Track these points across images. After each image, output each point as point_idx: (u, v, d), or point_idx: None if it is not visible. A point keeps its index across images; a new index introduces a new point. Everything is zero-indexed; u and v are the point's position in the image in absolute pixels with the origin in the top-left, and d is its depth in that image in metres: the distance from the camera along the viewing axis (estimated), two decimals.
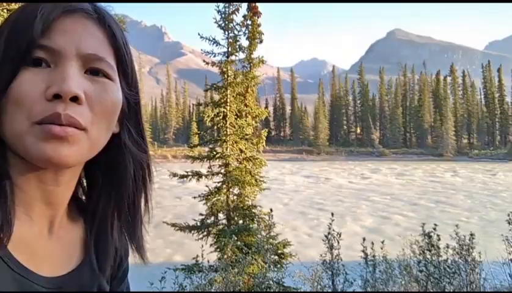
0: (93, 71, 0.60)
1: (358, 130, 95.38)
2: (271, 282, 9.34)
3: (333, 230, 7.10)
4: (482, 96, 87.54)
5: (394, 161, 69.63)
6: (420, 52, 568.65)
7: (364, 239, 7.00)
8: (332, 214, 7.25)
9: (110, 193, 0.69)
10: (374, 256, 7.44)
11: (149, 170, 0.71)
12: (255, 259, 9.51)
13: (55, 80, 0.55)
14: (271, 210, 8.01)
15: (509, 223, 6.73)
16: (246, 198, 10.60)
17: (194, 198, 10.37)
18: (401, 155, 77.38)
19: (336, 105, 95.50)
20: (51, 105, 0.55)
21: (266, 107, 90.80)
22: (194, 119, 65.64)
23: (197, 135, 11.65)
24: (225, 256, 9.08)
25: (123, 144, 0.68)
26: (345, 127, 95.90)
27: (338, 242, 7.02)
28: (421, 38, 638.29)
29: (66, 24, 0.58)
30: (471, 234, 7.41)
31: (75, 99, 0.55)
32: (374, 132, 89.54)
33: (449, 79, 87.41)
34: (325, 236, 7.09)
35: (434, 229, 6.93)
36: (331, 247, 7.04)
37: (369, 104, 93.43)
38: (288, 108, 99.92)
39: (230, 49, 10.44)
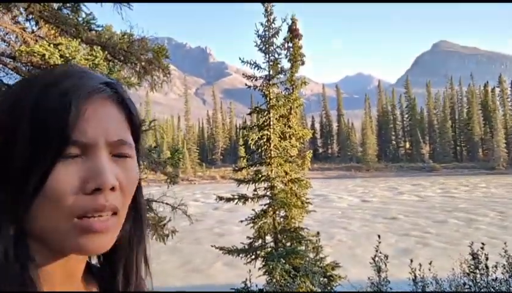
0: (118, 154, 0.61)
1: (407, 145, 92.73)
2: None
3: (380, 252, 6.92)
4: None
5: (447, 176, 67.06)
6: (467, 63, 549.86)
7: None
8: (379, 236, 7.07)
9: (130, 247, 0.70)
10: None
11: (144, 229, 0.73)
12: (304, 282, 9.40)
13: (92, 174, 0.56)
14: (318, 233, 7.90)
15: None
16: (293, 220, 10.54)
17: (241, 221, 10.44)
18: (452, 169, 74.43)
19: (383, 120, 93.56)
20: (92, 199, 0.56)
21: (312, 125, 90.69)
22: (240, 142, 66.32)
23: (243, 158, 11.76)
24: (274, 280, 9.03)
25: (139, 198, 0.70)
26: (394, 142, 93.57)
27: (386, 265, 6.83)
28: (467, 49, 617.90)
29: (92, 111, 0.58)
30: None
31: (112, 188, 0.57)
32: (423, 147, 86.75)
33: (497, 89, 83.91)
34: (373, 259, 6.92)
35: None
36: (378, 270, 6.86)
37: (417, 118, 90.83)
38: (334, 125, 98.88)
39: (271, 72, 10.55)
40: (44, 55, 6.55)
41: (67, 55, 6.85)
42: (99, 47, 7.29)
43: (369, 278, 6.95)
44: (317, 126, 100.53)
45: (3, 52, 7.07)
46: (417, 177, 65.90)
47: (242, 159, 12.53)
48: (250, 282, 8.82)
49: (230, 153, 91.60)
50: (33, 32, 7.15)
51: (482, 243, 6.86)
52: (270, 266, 9.25)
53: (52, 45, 6.77)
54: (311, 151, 11.37)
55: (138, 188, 0.68)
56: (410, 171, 76.68)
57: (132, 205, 0.66)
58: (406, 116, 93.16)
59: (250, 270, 7.87)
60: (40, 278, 0.58)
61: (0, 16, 6.84)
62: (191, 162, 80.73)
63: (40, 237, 0.58)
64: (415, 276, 7.03)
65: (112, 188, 0.57)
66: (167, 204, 8.94)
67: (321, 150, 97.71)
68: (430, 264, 7.26)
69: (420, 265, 7.13)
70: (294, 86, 11.06)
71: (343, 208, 35.89)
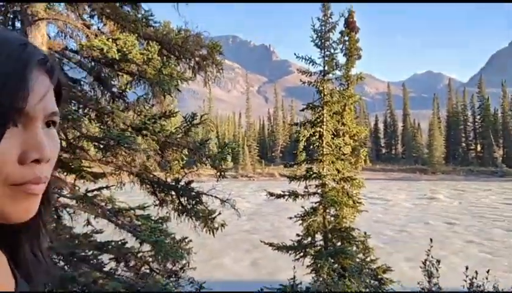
0: (49, 124, 0.62)
1: (479, 148, 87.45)
2: None
3: (432, 257, 6.57)
4: None
5: None
6: None
7: None
8: (431, 240, 6.72)
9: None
10: None
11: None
12: (352, 283, 9.18)
13: (32, 146, 0.57)
14: (365, 233, 7.65)
15: None
16: (344, 220, 10.30)
17: (290, 218, 10.36)
18: None
19: (453, 120, 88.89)
20: (30, 169, 0.57)
21: (376, 124, 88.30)
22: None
23: (297, 155, 11.66)
24: (321, 279, 8.88)
25: None
26: (463, 144, 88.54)
27: (437, 270, 6.47)
28: None
29: (36, 82, 0.59)
30: None
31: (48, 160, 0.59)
32: (496, 150, 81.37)
33: None
34: (423, 263, 6.59)
35: None
36: (429, 275, 6.51)
37: (490, 120, 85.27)
38: (400, 125, 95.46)
39: (326, 68, 10.35)
40: (102, 49, 6.88)
41: (124, 49, 7.15)
42: (155, 43, 7.54)
43: (418, 283, 6.63)
44: (381, 125, 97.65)
45: (67, 46, 7.51)
46: (488, 182, 62.02)
47: (295, 155, 12.43)
48: (293, 280, 8.76)
49: (289, 151, 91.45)
50: (98, 29, 7.54)
51: None
52: (318, 264, 9.11)
53: (110, 40, 7.08)
54: (366, 150, 11.01)
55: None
56: (481, 176, 72.42)
57: None
58: (478, 117, 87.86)
59: (294, 267, 7.78)
60: None
61: (67, 14, 7.27)
62: (251, 158, 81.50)
63: None
64: (471, 284, 6.62)
65: (48, 160, 0.59)
66: (216, 197, 9.06)
67: (384, 150, 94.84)
68: (488, 272, 6.80)
69: (476, 272, 6.68)
70: (349, 81, 10.79)
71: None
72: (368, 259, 9.65)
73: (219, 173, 10.18)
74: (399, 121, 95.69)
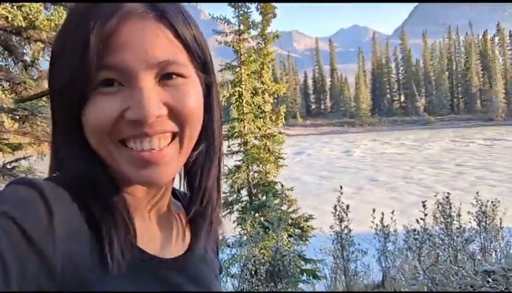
0: (166, 75, 0.57)
1: (402, 99, 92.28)
2: (292, 254, 9.52)
3: (342, 203, 7.13)
4: None
5: (441, 129, 67.29)
6: (468, 11, 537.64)
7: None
8: (341, 187, 7.26)
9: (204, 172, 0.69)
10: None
11: (221, 147, 0.72)
12: (276, 233, 9.67)
13: (132, 103, 0.54)
14: (281, 185, 8.07)
15: None
16: (268, 175, 10.73)
17: None
18: (448, 122, 74.49)
19: (377, 73, 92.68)
20: (135, 127, 0.55)
21: (305, 80, 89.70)
22: None
23: None
24: (245, 232, 9.30)
25: (211, 126, 0.67)
26: (388, 96, 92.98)
27: (347, 215, 7.06)
28: None
29: (125, 34, 0.54)
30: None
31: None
32: (419, 100, 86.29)
33: (497, 39, 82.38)
34: (334, 209, 7.15)
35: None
36: (340, 220, 7.09)
37: (412, 70, 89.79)
38: (328, 80, 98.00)
39: (241, 27, 10.43)
40: (7, 17, 6.52)
41: (30, 16, 6.80)
42: (62, 8, 7.21)
43: (331, 227, 7.20)
44: (310, 81, 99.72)
45: None
46: (410, 132, 66.06)
47: None
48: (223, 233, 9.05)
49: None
50: None
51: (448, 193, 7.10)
52: (243, 219, 9.51)
53: (15, 7, 6.69)
54: (285, 106, 11.38)
55: (209, 114, 0.65)
56: (405, 125, 76.73)
57: (201, 133, 0.64)
58: (401, 68, 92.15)
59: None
60: (133, 205, 0.61)
61: None
62: None
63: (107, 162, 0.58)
64: (377, 226, 7.27)
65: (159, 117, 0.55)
66: None
67: (313, 106, 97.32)
68: (392, 213, 7.49)
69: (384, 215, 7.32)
70: (265, 40, 10.96)
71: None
72: (291, 210, 10.20)
73: None
74: (328, 77, 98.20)
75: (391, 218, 7.35)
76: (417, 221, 5.76)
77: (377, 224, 7.10)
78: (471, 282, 5.15)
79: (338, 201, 7.21)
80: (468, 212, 7.63)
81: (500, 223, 7.72)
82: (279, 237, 8.81)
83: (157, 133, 0.55)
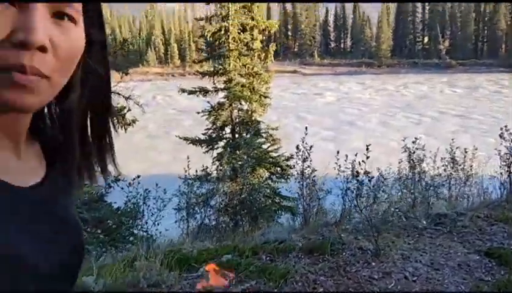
0: (59, 14, 0.55)
1: (426, 40, 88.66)
2: (267, 190, 9.81)
3: (306, 143, 7.18)
4: None
5: (460, 73, 65.28)
6: None
7: None
8: (306, 128, 7.29)
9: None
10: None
11: (109, 104, 0.70)
12: (256, 170, 9.91)
13: (22, 25, 0.51)
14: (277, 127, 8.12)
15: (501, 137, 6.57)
16: (254, 114, 10.80)
17: (198, 113, 10.76)
18: (468, 67, 71.89)
19: (402, 12, 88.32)
20: (16, 54, 0.51)
21: (326, 17, 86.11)
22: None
23: (201, 51, 11.69)
24: (224, 167, 9.57)
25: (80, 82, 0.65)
26: (411, 36, 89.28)
27: (309, 154, 7.15)
28: None
29: None
30: None
31: (41, 48, 0.52)
32: (442, 42, 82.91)
33: None
34: (297, 148, 7.24)
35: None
36: (304, 160, 7.20)
37: (438, 11, 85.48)
38: (350, 18, 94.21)
39: None
40: None
41: None
42: None
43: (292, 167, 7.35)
44: (331, 18, 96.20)
45: None
46: (427, 75, 64.30)
47: (200, 51, 12.47)
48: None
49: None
50: None
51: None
52: (223, 155, 9.76)
53: None
54: (274, 44, 11.20)
55: (95, 58, 0.64)
56: (424, 68, 74.53)
57: (82, 74, 0.63)
58: (428, 8, 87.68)
59: (188, 157, 8.16)
60: None
61: None
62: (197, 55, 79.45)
63: None
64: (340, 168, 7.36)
65: (42, 49, 0.52)
66: (118, 94, 9.24)
67: (333, 44, 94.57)
68: (356, 155, 7.55)
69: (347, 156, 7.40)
70: None
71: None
72: (271, 149, 10.36)
73: (121, 71, 10.20)
74: (351, 14, 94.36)
75: (359, 163, 7.40)
76: (359, 163, 5.87)
77: (340, 166, 7.19)
78: (412, 223, 5.33)
79: (302, 142, 7.27)
80: (442, 159, 7.68)
81: (470, 169, 7.75)
82: (248, 176, 9.02)
83: (34, 71, 0.52)
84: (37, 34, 0.51)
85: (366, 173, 5.86)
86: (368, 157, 5.90)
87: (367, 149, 5.85)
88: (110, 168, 0.74)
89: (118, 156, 0.74)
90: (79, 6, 0.57)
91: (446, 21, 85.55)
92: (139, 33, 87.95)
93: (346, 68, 76.79)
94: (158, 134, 29.04)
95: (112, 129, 0.71)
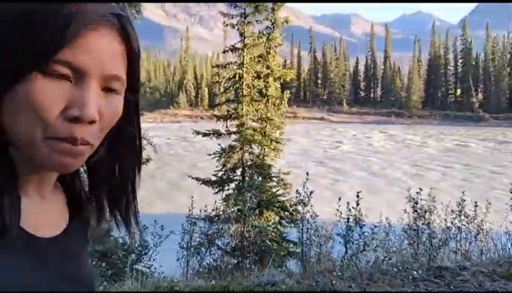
0: (108, 88, 0.60)
1: (458, 93, 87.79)
2: (273, 234, 9.78)
3: (307, 188, 7.30)
4: None
5: (494, 127, 63.98)
6: None
7: None
8: (307, 173, 7.41)
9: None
10: None
11: (139, 162, 0.73)
12: (264, 214, 9.97)
13: (77, 101, 0.55)
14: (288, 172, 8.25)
15: None
16: (266, 158, 11.01)
17: (209, 155, 11.04)
18: (503, 120, 70.39)
19: (434, 64, 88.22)
20: (69, 127, 0.55)
21: (356, 66, 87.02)
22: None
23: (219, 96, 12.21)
24: (233, 209, 9.68)
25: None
26: (443, 88, 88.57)
27: (309, 199, 7.22)
28: None
29: (91, 41, 0.56)
30: None
31: (91, 122, 0.56)
32: (474, 95, 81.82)
33: None
34: (297, 192, 7.35)
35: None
36: (304, 205, 7.28)
37: (471, 64, 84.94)
38: (380, 68, 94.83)
39: (246, 10, 10.60)
40: None
41: None
42: None
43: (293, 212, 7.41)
44: (362, 68, 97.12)
45: None
46: (459, 128, 63.34)
47: (217, 96, 12.95)
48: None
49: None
50: None
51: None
52: (233, 197, 9.89)
53: None
54: (289, 92, 11.53)
55: (128, 118, 0.67)
56: (457, 120, 73.39)
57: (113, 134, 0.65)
58: (460, 61, 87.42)
59: (192, 196, 8.39)
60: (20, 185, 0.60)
61: None
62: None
63: (16, 143, 0.58)
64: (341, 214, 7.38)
65: (91, 122, 0.56)
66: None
67: (362, 93, 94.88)
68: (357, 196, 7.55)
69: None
70: (274, 24, 11.08)
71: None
72: (280, 192, 10.46)
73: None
74: (382, 64, 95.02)
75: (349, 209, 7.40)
76: (349, 210, 5.93)
77: (341, 213, 7.23)
78: (410, 274, 5.28)
79: (303, 187, 7.39)
80: (452, 211, 7.57)
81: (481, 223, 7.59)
82: (251, 218, 9.08)
83: (84, 142, 0.57)
84: (90, 110, 0.55)
85: (359, 220, 5.90)
86: (358, 204, 5.97)
87: (357, 196, 5.93)
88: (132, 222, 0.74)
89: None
90: (124, 77, 0.61)
91: (480, 75, 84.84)
92: (172, 77, 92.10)
93: (375, 117, 76.59)
94: (180, 174, 29.55)
95: (138, 181, 0.72)
